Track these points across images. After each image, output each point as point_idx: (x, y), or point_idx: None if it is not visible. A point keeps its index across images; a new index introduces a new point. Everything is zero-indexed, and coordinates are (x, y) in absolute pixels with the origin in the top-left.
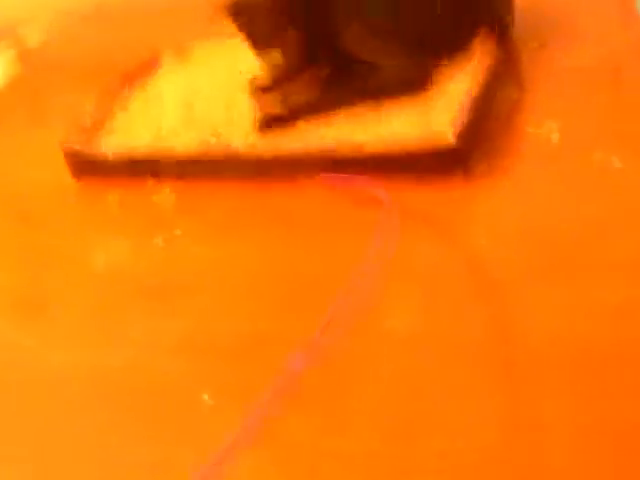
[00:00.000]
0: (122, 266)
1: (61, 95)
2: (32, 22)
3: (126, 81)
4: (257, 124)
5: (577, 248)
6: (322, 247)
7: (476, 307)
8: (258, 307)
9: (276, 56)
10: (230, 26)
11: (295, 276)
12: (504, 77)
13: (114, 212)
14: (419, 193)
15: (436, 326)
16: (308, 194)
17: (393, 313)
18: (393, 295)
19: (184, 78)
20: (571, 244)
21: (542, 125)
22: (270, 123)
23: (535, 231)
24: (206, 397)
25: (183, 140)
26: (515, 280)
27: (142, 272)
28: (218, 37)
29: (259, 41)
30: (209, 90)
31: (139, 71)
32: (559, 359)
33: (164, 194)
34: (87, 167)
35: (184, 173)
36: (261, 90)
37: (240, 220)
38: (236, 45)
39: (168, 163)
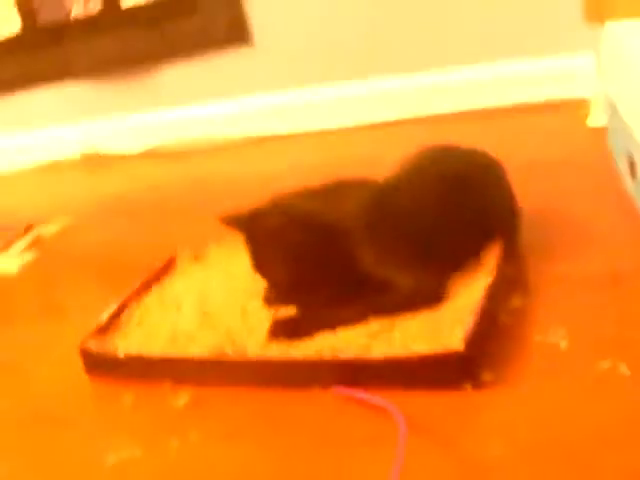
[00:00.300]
0: (134, 468)
1: (76, 286)
2: (51, 216)
3: (144, 281)
4: (270, 332)
5: (588, 456)
6: (332, 459)
7: None
8: None
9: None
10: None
11: None
12: (511, 286)
13: (128, 413)
14: (430, 404)
15: None
16: (321, 404)
17: None
18: None
19: (200, 281)
20: (582, 452)
21: (549, 333)
22: (283, 332)
23: (546, 440)
24: None
25: (198, 344)
26: None
27: (154, 475)
28: (235, 242)
29: (253, 262)
30: (225, 295)
31: (156, 272)
32: None
33: (180, 397)
34: (103, 366)
35: (199, 377)
36: (276, 299)
37: (254, 427)
38: None
39: (183, 366)
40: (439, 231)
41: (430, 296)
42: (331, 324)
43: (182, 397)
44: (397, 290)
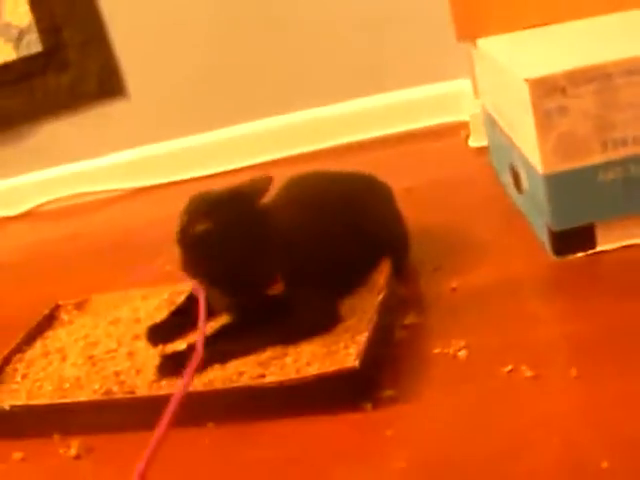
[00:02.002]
0: None
1: None
2: None
3: (25, 335)
4: (159, 368)
5: (496, 463)
6: None
7: None
8: None
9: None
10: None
11: None
12: (405, 304)
13: (18, 469)
14: (330, 426)
15: None
16: (216, 438)
17: None
18: None
19: (84, 330)
20: (490, 460)
21: (448, 345)
22: (172, 367)
23: (453, 449)
24: None
25: (86, 390)
26: None
27: None
28: (115, 290)
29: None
30: (110, 340)
31: (38, 325)
32: None
33: (70, 447)
34: None
35: (89, 422)
36: (162, 334)
37: (150, 469)
38: (131, 296)
39: (72, 413)
40: (325, 253)
41: (327, 322)
42: (221, 357)
43: (73, 447)
44: (292, 319)
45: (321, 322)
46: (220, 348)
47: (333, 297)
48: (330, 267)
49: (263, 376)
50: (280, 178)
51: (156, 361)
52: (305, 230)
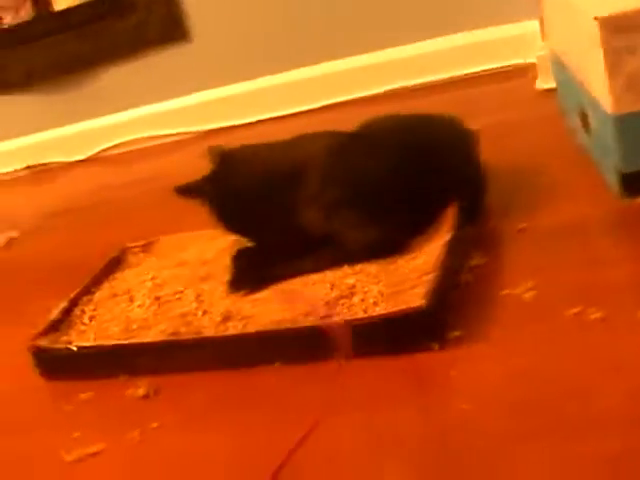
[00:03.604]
0: (96, 462)
1: (28, 291)
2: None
3: (93, 277)
4: (230, 282)
5: (562, 406)
6: (291, 433)
7: (465, 473)
8: None
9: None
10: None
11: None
12: (473, 245)
13: (86, 409)
14: (397, 362)
15: None
16: (281, 378)
17: None
18: (382, 466)
19: (151, 272)
20: (556, 402)
21: (515, 286)
22: (243, 282)
23: (517, 393)
24: None
25: (153, 331)
26: (502, 444)
27: (116, 467)
28: (181, 231)
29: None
30: (177, 282)
31: (106, 267)
32: None
33: (138, 388)
34: (57, 366)
35: (157, 365)
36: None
37: (215, 411)
38: (199, 237)
39: (140, 356)
40: (396, 188)
41: (381, 246)
42: (288, 274)
43: (140, 388)
44: (349, 241)
45: (380, 248)
46: (286, 266)
47: (397, 230)
48: (398, 202)
49: (330, 316)
50: (345, 119)
51: (223, 303)
52: (381, 162)
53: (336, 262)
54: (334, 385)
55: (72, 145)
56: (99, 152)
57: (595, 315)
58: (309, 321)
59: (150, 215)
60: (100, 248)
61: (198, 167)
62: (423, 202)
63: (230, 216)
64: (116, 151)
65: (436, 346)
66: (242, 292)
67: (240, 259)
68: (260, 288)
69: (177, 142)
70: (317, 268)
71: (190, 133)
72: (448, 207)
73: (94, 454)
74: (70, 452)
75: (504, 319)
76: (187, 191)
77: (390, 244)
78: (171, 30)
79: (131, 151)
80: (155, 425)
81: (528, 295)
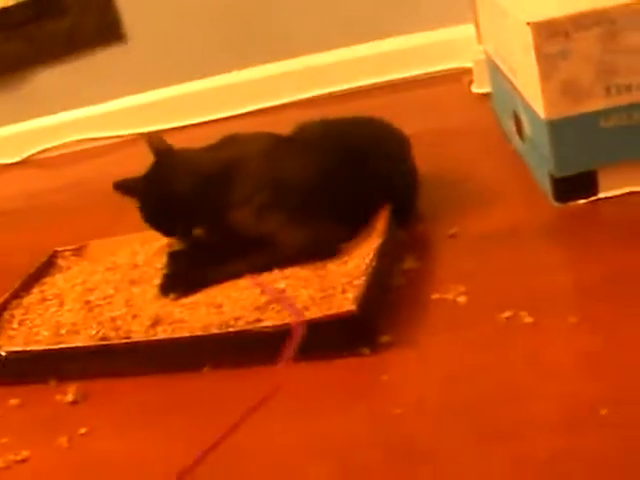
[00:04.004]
0: (23, 469)
1: None
2: None
3: (23, 282)
4: (161, 286)
5: (494, 410)
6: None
7: (396, 477)
8: None
9: None
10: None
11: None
12: (405, 249)
13: (14, 415)
14: (327, 368)
15: None
16: (209, 382)
17: None
18: (314, 470)
19: (82, 276)
20: (488, 406)
21: (447, 291)
22: (174, 285)
23: (449, 397)
24: None
25: (82, 336)
26: (434, 448)
27: (43, 474)
28: (113, 235)
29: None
30: (108, 286)
31: (36, 271)
32: None
33: (67, 393)
34: None
35: (86, 370)
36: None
37: (145, 413)
38: (130, 241)
39: (69, 361)
40: (327, 191)
41: (319, 249)
42: (220, 278)
43: (69, 393)
44: (281, 244)
45: (318, 249)
46: (205, 273)
47: (331, 232)
48: (330, 205)
49: (260, 320)
50: (280, 122)
51: (152, 306)
52: (314, 165)
53: (268, 265)
54: (264, 389)
55: (4, 148)
56: (32, 155)
57: (526, 320)
58: (238, 326)
59: (82, 219)
60: (31, 252)
61: (132, 170)
62: (355, 206)
63: (161, 217)
64: (49, 154)
65: (367, 351)
66: (172, 296)
67: (172, 263)
68: (191, 292)
69: (111, 145)
70: (249, 271)
71: (125, 136)
72: (380, 211)
73: (21, 461)
74: None
75: (436, 323)
76: (123, 188)
77: (322, 247)
78: (106, 31)
79: (64, 154)
80: (83, 431)
81: (460, 299)
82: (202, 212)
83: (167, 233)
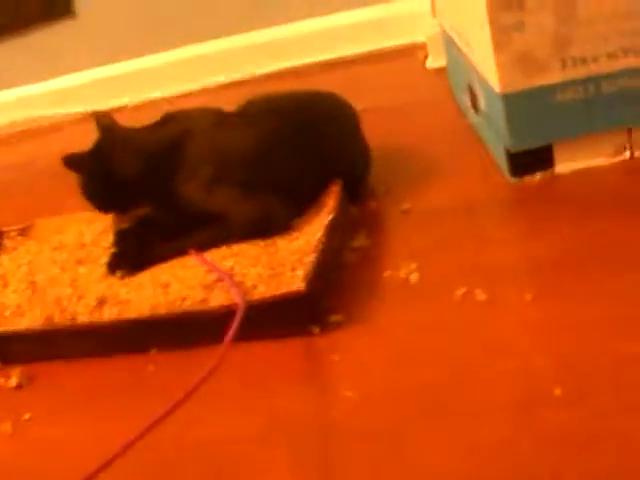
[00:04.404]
0: None
1: None
2: None
3: None
4: (109, 264)
5: (449, 390)
6: (180, 418)
7: (351, 461)
8: None
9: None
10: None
11: (153, 447)
12: (356, 226)
13: None
14: (276, 348)
15: None
16: (156, 363)
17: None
18: (262, 456)
19: (27, 256)
20: (442, 386)
21: (399, 268)
22: (121, 263)
23: (402, 377)
24: None
25: (27, 318)
26: (386, 430)
27: None
28: (59, 214)
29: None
30: (53, 266)
31: None
32: None
33: (11, 377)
34: None
35: (31, 353)
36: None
37: (91, 397)
38: (77, 220)
39: (13, 343)
40: (273, 166)
41: (268, 224)
42: (169, 254)
43: (13, 377)
44: (230, 219)
45: (255, 220)
46: (165, 246)
47: (280, 206)
48: (277, 180)
49: (206, 300)
50: (230, 99)
51: (98, 287)
52: (260, 139)
53: (217, 240)
54: (212, 370)
55: None
56: None
57: (481, 297)
58: (185, 306)
59: (28, 199)
60: None
61: (81, 148)
62: (304, 181)
63: (103, 194)
64: None
65: (317, 330)
66: (120, 274)
67: (120, 241)
68: (138, 269)
69: (60, 123)
70: (197, 247)
71: (73, 114)
72: (331, 187)
73: None
74: None
75: (387, 302)
76: (70, 162)
77: (272, 221)
78: (54, 6)
79: (11, 133)
80: (27, 416)
81: (412, 277)
82: (146, 190)
83: (105, 210)
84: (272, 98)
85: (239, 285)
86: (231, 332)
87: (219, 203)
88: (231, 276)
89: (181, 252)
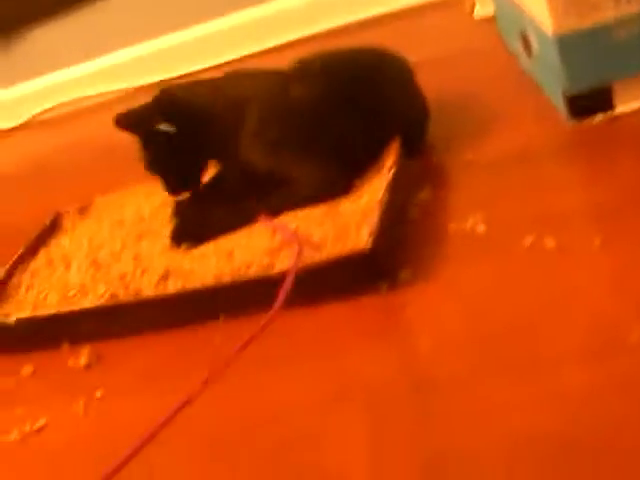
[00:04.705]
0: (41, 437)
1: None
2: None
3: (28, 246)
4: (172, 237)
5: (522, 341)
6: (245, 389)
7: (432, 417)
8: (192, 466)
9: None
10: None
11: (223, 422)
12: (418, 180)
13: (29, 383)
14: (346, 307)
15: (389, 443)
16: (226, 331)
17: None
18: (339, 419)
19: (88, 235)
20: (515, 335)
21: (465, 220)
22: (185, 236)
23: (476, 329)
24: None
25: (92, 296)
26: (462, 382)
27: (65, 440)
28: (118, 190)
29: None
30: (115, 243)
31: (41, 235)
32: (522, 453)
33: (80, 356)
34: None
35: (98, 331)
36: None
37: (161, 371)
38: (134, 194)
39: (80, 323)
40: (336, 124)
41: (329, 188)
42: (232, 222)
43: (82, 357)
44: (297, 183)
45: (331, 187)
46: (216, 219)
47: (342, 167)
48: (339, 139)
49: (272, 265)
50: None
51: (162, 262)
52: (320, 99)
53: (284, 206)
54: (285, 335)
55: (2, 112)
56: (31, 117)
57: (550, 244)
58: (250, 272)
59: (85, 178)
60: (36, 215)
61: None
62: (365, 138)
63: (164, 157)
64: (47, 115)
65: (385, 286)
66: (185, 246)
67: (180, 212)
68: (204, 240)
69: (108, 101)
70: (264, 212)
71: (120, 91)
72: (391, 142)
73: (39, 429)
74: (14, 430)
75: (455, 254)
76: (126, 123)
77: (337, 186)
78: None
79: (63, 114)
80: (99, 394)
81: (478, 228)
82: (208, 152)
83: (166, 176)
84: (325, 56)
85: (306, 245)
86: (280, 298)
87: (285, 166)
88: (297, 237)
89: (248, 219)
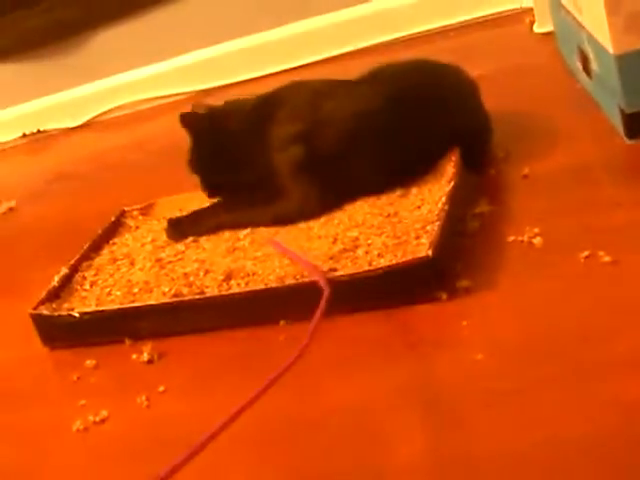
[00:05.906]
0: (102, 430)
1: (28, 260)
2: None
3: (93, 243)
4: (167, 232)
5: (578, 351)
6: (307, 390)
7: (485, 422)
8: (253, 461)
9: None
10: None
11: (285, 421)
12: (476, 192)
13: (91, 376)
14: (404, 316)
15: (446, 447)
16: (286, 334)
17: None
18: (394, 423)
19: (151, 234)
20: (572, 348)
21: (522, 233)
22: (176, 231)
23: (533, 339)
24: None
25: (156, 294)
26: (519, 391)
27: (123, 433)
28: (179, 192)
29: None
30: (175, 243)
31: (105, 232)
32: (582, 460)
33: (142, 352)
34: (59, 334)
35: (160, 328)
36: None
37: (222, 370)
38: (197, 197)
39: (143, 319)
40: (393, 135)
41: (309, 211)
42: (221, 226)
43: (144, 352)
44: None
45: (307, 209)
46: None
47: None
48: (393, 150)
49: (335, 270)
50: (343, 71)
51: (225, 263)
52: (371, 110)
53: (267, 219)
54: (343, 340)
55: (68, 111)
56: (95, 117)
57: (605, 258)
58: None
59: (148, 178)
60: (99, 213)
61: None
62: (425, 150)
63: (211, 160)
64: (111, 115)
65: (444, 296)
66: (184, 238)
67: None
68: (202, 233)
69: (172, 103)
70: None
71: (185, 94)
72: (451, 154)
73: (101, 421)
74: (77, 421)
75: (512, 266)
76: (186, 121)
77: (314, 212)
78: None
79: (126, 115)
80: (161, 389)
81: (535, 241)
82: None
83: (203, 174)
84: (392, 68)
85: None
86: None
87: (295, 188)
88: (313, 266)
89: (235, 226)
